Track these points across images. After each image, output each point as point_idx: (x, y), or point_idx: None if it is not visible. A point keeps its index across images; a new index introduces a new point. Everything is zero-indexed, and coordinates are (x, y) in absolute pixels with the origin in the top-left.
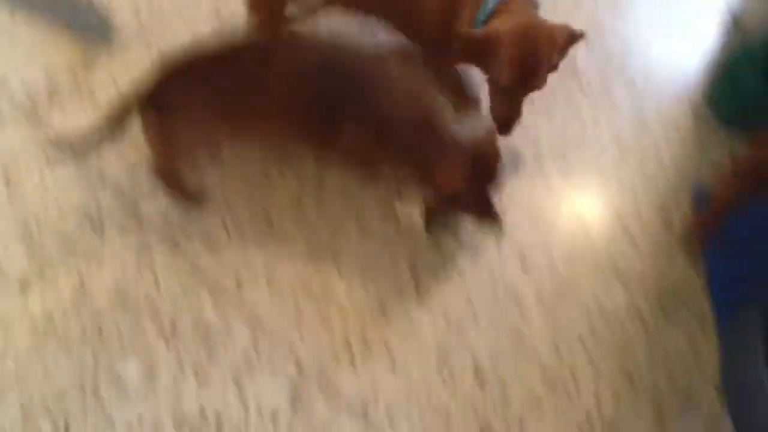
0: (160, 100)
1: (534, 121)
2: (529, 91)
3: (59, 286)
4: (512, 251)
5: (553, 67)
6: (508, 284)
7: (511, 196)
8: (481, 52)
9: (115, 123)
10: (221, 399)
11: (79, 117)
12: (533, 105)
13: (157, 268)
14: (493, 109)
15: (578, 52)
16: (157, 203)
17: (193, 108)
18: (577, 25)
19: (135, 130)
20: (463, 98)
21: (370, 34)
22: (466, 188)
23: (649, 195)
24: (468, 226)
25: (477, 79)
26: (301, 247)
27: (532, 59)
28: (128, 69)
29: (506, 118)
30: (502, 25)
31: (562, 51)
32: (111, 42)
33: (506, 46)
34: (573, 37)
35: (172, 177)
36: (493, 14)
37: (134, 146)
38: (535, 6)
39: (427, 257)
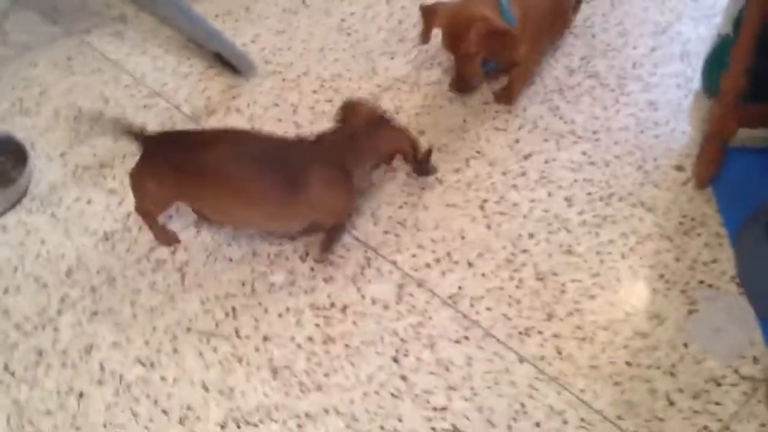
0: (154, 153)
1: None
2: (464, 61)
3: None
4: (559, 193)
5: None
6: (557, 215)
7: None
8: (427, 23)
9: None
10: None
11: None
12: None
13: None
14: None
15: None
16: None
17: (167, 173)
18: None
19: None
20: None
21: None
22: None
23: (662, 150)
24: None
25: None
26: None
27: (454, 34)
28: (262, 95)
29: (457, 77)
30: (442, 3)
31: (489, 43)
32: (250, 72)
33: (440, 19)
34: (491, 32)
35: (150, 218)
36: None
37: None
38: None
39: None
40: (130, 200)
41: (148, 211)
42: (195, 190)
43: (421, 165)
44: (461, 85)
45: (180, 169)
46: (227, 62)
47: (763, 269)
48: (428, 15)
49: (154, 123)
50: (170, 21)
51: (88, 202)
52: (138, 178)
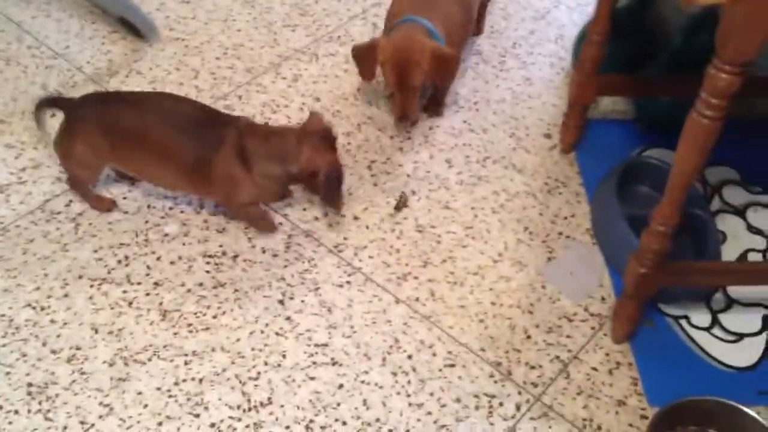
0: (80, 117)
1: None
2: (410, 93)
3: None
4: (440, 155)
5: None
6: (438, 174)
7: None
8: (368, 61)
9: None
10: (235, 242)
11: (132, 89)
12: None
13: None
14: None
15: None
16: None
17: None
18: None
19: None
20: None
21: None
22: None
23: (533, 120)
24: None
25: None
26: None
27: (404, 66)
28: (164, 60)
29: (400, 112)
30: (384, 38)
31: (440, 68)
32: (153, 37)
33: (384, 54)
34: (443, 58)
35: (82, 186)
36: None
37: None
38: (426, 33)
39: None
40: (27, 155)
41: (79, 179)
42: (125, 151)
43: (328, 193)
44: (406, 117)
45: (110, 130)
46: (131, 27)
47: (611, 221)
48: (369, 51)
49: (54, 83)
50: None
51: None
52: (65, 144)
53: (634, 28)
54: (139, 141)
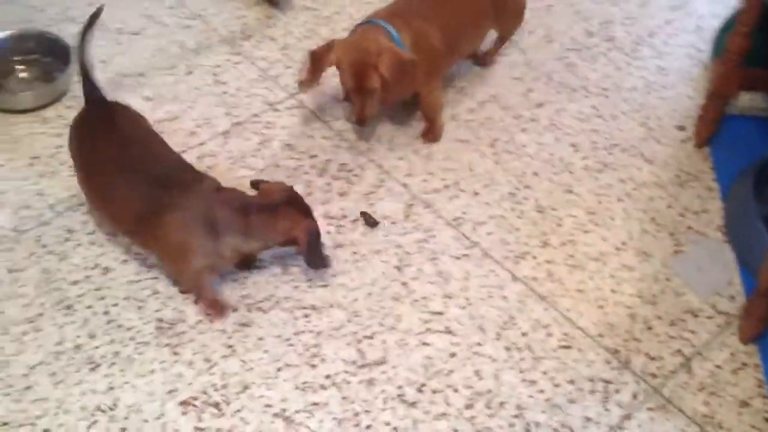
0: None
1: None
2: (367, 96)
3: None
4: (566, 139)
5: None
6: (562, 158)
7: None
8: (320, 62)
9: None
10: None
11: (263, 53)
12: None
13: None
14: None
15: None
16: None
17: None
18: None
19: None
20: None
21: None
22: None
23: (666, 110)
24: None
25: None
26: None
27: (360, 68)
28: (296, 27)
29: (358, 115)
30: (339, 39)
31: (397, 72)
32: (287, 5)
33: (341, 55)
34: (401, 61)
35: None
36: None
37: None
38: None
39: None
40: (164, 107)
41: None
42: (83, 175)
43: (311, 257)
44: (362, 121)
45: (84, 143)
46: None
47: (746, 220)
48: (324, 52)
49: (192, 43)
50: None
51: None
52: (71, 129)
53: None
54: (95, 166)
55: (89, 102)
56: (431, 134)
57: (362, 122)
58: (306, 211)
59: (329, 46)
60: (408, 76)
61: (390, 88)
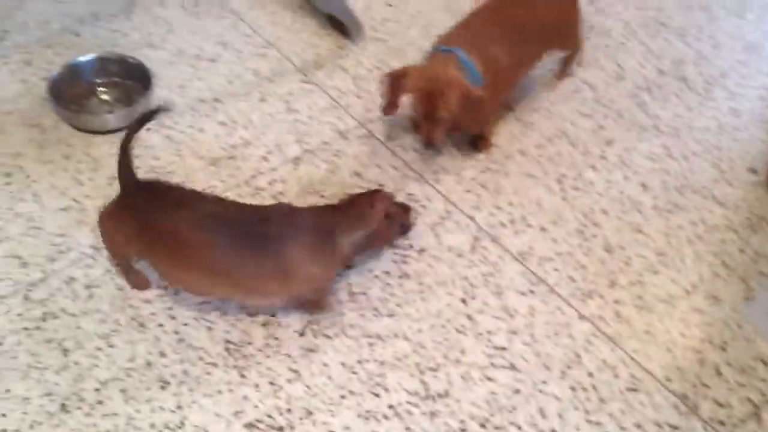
0: (126, 203)
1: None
2: (435, 123)
3: None
4: (635, 178)
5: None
6: (631, 197)
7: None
8: (396, 87)
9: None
10: (422, 237)
11: (334, 83)
12: None
13: None
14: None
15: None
16: None
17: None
18: None
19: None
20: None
21: None
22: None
23: (738, 152)
24: None
25: None
26: None
27: (431, 97)
28: (367, 58)
29: (426, 140)
30: (414, 66)
31: (465, 108)
32: (359, 36)
33: (413, 82)
34: (470, 98)
35: (119, 260)
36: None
37: None
38: (458, 66)
39: None
40: (238, 133)
41: (116, 253)
42: (155, 253)
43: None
44: (431, 145)
45: (143, 227)
46: (339, 24)
47: None
48: (399, 78)
49: (266, 70)
50: None
51: (200, 130)
52: (104, 221)
53: None
54: (169, 241)
55: (128, 188)
56: (486, 145)
57: (428, 145)
58: (387, 198)
59: (404, 72)
60: (475, 110)
61: (457, 119)
